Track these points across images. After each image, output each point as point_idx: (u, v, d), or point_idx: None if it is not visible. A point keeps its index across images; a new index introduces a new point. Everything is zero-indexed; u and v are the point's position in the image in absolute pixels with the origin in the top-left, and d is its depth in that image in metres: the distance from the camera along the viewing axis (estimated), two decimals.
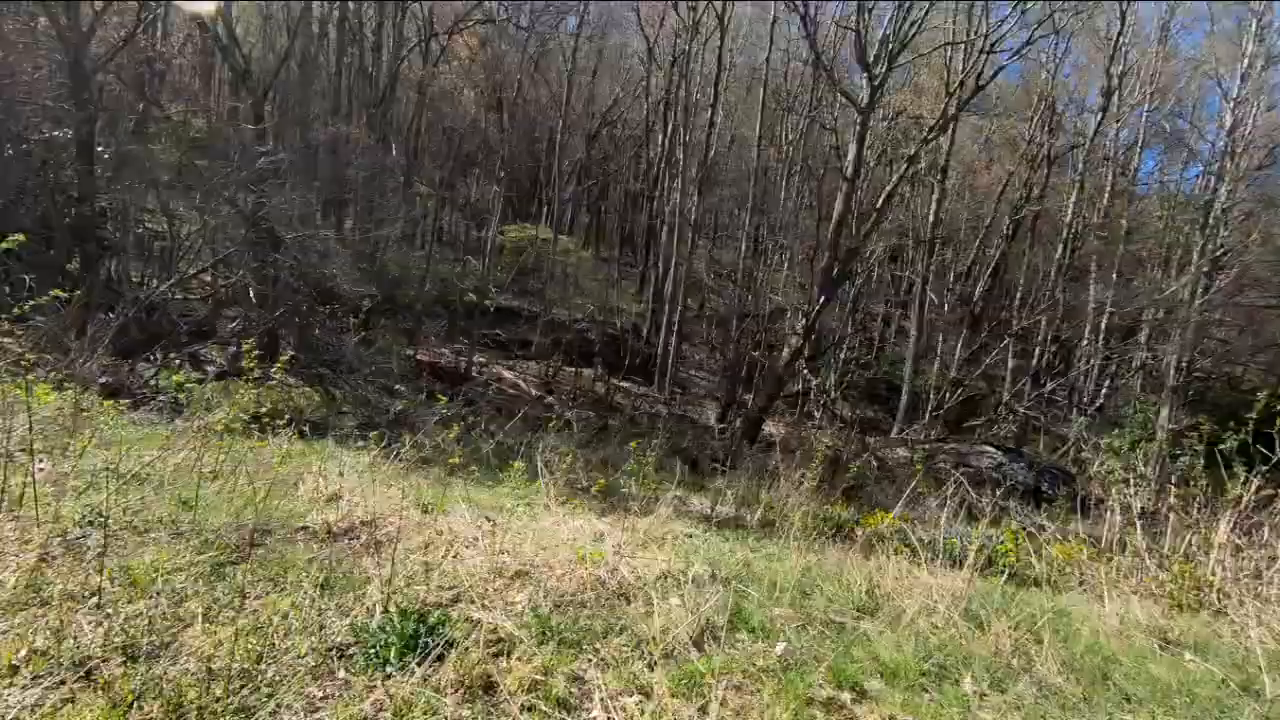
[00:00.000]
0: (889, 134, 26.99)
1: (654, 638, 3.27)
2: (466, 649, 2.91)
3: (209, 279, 15.84)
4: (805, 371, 23.44)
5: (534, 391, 23.89)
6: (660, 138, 29.99)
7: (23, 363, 4.40)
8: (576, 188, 36.40)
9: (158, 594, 3.09)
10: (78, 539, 3.55)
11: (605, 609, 3.63)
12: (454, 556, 4.14)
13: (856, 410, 27.01)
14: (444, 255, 27.37)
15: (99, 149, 14.09)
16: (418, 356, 21.57)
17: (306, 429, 8.24)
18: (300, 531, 4.18)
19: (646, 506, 8.29)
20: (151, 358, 12.79)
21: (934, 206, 25.25)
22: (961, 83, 18.10)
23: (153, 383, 10.22)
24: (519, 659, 2.91)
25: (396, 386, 16.57)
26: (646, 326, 30.46)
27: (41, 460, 4.87)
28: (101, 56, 14.30)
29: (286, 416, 9.24)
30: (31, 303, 6.44)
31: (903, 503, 7.19)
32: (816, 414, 25.27)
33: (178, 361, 13.24)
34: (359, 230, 18.38)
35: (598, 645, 3.19)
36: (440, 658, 2.85)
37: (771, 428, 22.91)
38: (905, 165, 17.77)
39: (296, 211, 14.65)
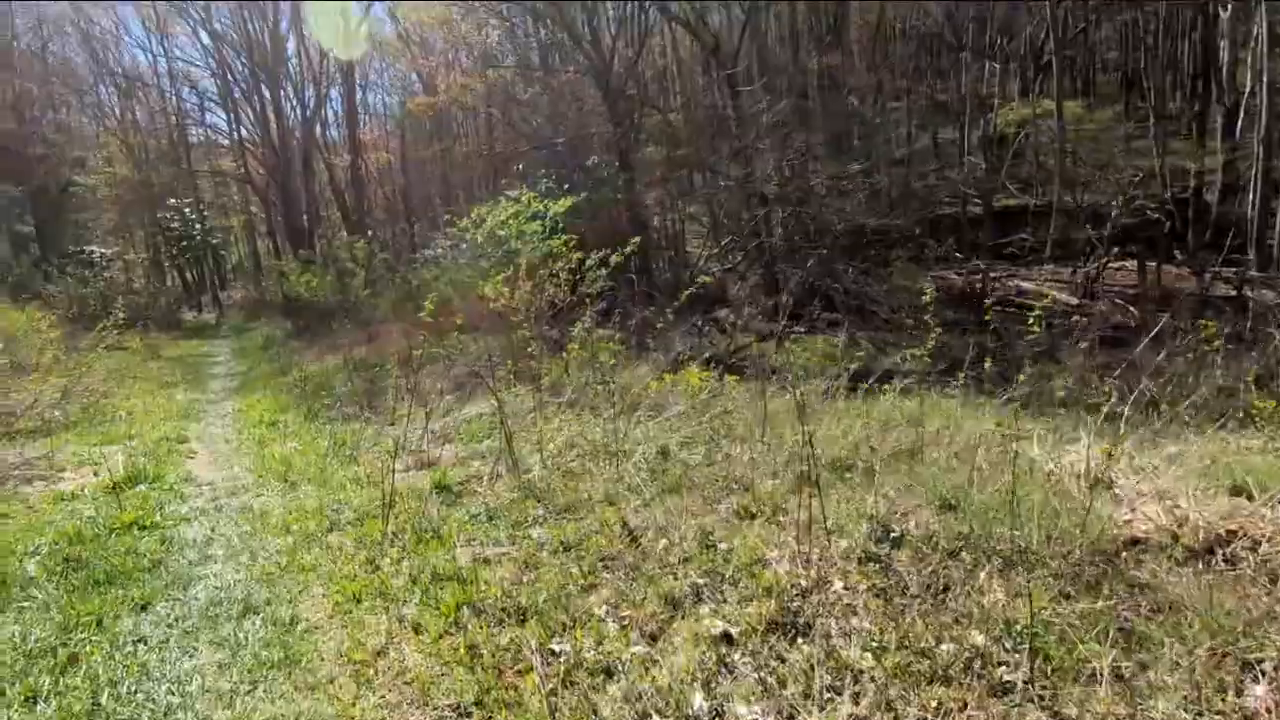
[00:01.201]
0: None
1: None
2: None
3: (728, 248, 17.07)
4: None
5: (1071, 299, 19.48)
6: None
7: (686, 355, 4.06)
8: (1061, 39, 28.53)
9: (1082, 676, 2.08)
10: (885, 561, 2.90)
11: None
12: None
13: None
14: (933, 167, 24.48)
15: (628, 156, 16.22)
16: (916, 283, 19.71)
17: (903, 382, 7.27)
18: (1131, 547, 2.88)
19: None
20: (697, 328, 14.05)
21: None
22: None
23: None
24: None
25: (922, 320, 15.07)
26: (1216, 188, 22.01)
27: (736, 448, 4.83)
28: (619, 76, 16.41)
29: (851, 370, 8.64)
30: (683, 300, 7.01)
31: None
32: None
33: (706, 329, 14.21)
34: (846, 162, 17.34)
35: None
36: None
37: None
38: None
39: (799, 161, 14.37)
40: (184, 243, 29.64)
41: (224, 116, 31.30)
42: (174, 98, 32.46)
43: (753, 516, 3.63)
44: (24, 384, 8.72)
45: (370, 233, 23.02)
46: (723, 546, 3.26)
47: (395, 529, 4.00)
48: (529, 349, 8.30)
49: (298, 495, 4.93)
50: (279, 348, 14.58)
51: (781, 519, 3.54)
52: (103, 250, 26.39)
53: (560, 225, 8.49)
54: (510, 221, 8.45)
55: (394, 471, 4.38)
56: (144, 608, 3.36)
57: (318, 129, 31.21)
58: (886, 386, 6.95)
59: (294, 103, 29.29)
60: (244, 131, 30.37)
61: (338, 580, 3.49)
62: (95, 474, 5.76)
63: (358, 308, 15.72)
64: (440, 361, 8.79)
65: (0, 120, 27.70)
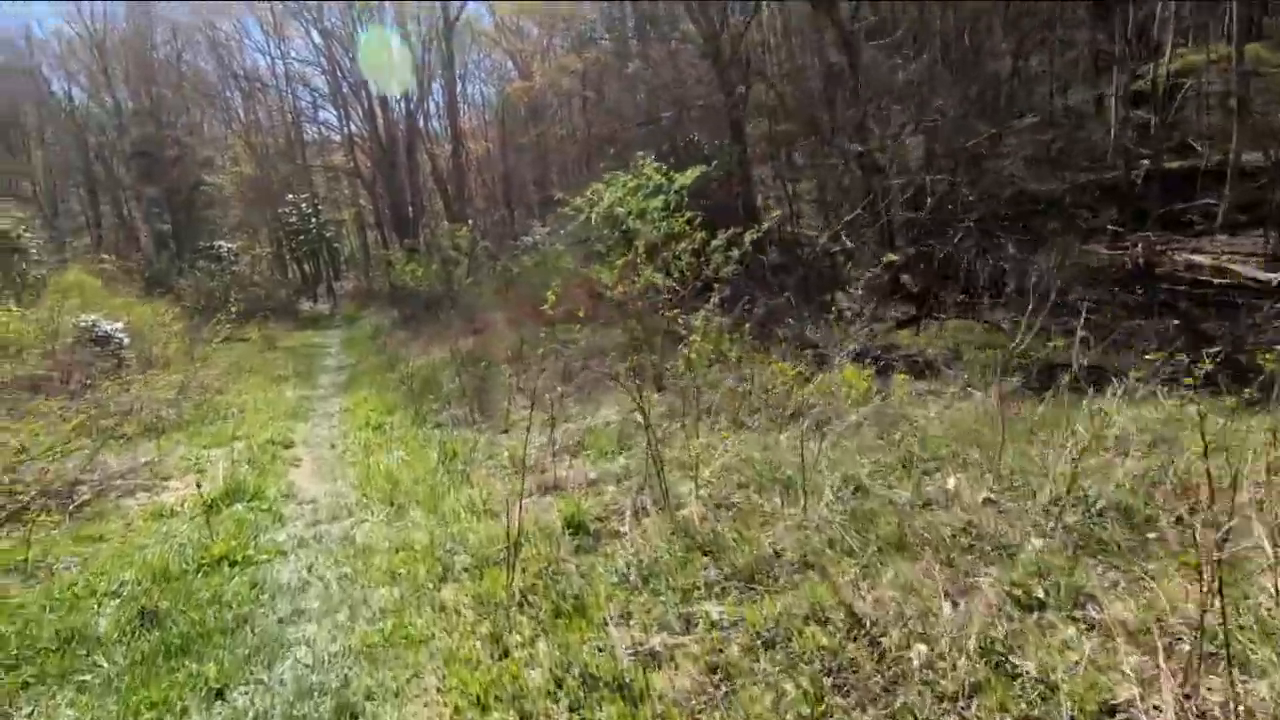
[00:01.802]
0: None
1: None
2: None
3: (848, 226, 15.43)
4: None
5: (1261, 275, 16.48)
6: None
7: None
8: None
9: None
10: None
11: None
12: None
13: None
14: (1083, 127, 21.58)
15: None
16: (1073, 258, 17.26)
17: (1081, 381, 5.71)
18: None
19: None
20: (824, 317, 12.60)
21: None
22: None
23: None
24: None
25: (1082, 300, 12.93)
26: None
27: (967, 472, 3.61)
28: (728, 43, 15.08)
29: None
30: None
31: None
32: None
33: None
34: (996, 125, 15.22)
35: None
36: None
37: None
38: None
39: (934, 126, 12.61)
40: (301, 236, 30.89)
41: (334, 113, 32.37)
42: (290, 97, 33.94)
43: (1041, 606, 2.45)
44: (144, 378, 8.66)
45: (470, 221, 22.90)
46: (1027, 667, 2.12)
47: (523, 586, 3.11)
48: (653, 342, 7.33)
49: (405, 524, 4.16)
50: (386, 338, 14.43)
51: (1097, 615, 2.35)
52: (229, 245, 27.83)
53: (684, 201, 7.44)
54: (628, 198, 7.47)
55: (521, 501, 3.50)
56: (219, 694, 2.61)
57: (420, 121, 31.70)
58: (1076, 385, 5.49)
59: (398, 97, 29.80)
60: (352, 127, 31.27)
61: (455, 666, 2.62)
62: (198, 484, 5.30)
63: (461, 296, 15.39)
64: (552, 356, 8.00)
65: (142, 126, 29.82)
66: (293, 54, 33.15)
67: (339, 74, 30.11)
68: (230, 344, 14.04)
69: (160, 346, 11.09)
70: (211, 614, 3.17)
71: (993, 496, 3.37)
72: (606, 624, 2.71)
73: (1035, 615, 2.41)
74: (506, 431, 6.06)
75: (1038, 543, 2.87)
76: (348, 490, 5.04)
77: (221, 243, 27.74)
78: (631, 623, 2.73)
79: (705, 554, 3.16)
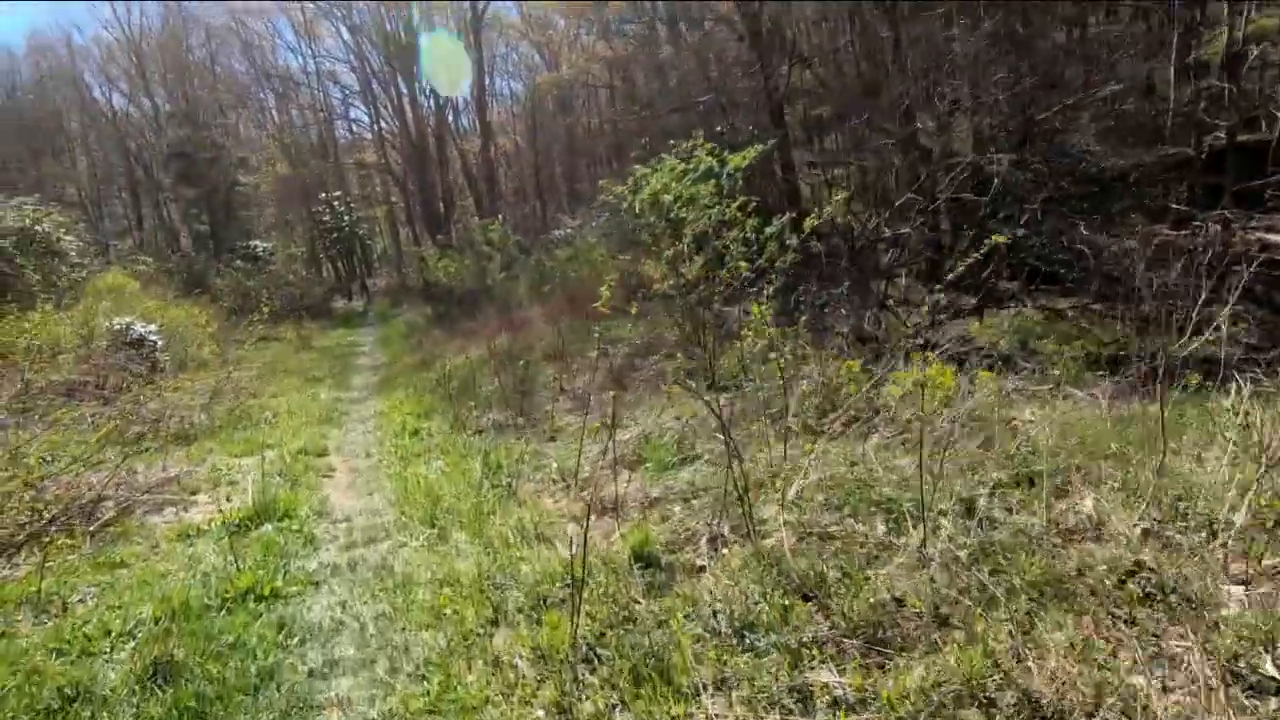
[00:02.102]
0: None
1: None
2: None
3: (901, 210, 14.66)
4: None
5: None
6: None
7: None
8: None
9: None
10: None
11: None
12: None
13: None
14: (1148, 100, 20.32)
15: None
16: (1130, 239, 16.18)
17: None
18: None
19: None
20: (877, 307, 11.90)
21: None
22: None
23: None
24: None
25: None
26: None
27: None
28: (765, 23, 14.37)
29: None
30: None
31: None
32: None
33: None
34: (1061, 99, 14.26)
35: None
36: None
37: None
38: None
39: (998, 100, 11.79)
40: (334, 234, 30.96)
41: (365, 110, 32.36)
42: (321, 95, 34.02)
43: (1278, 689, 1.88)
44: (177, 382, 8.42)
45: (501, 216, 22.56)
46: None
47: (590, 636, 2.63)
48: (704, 338, 6.81)
49: (448, 550, 3.72)
50: (420, 336, 14.12)
51: None
52: (265, 244, 27.97)
53: (737, 185, 6.88)
54: (674, 185, 6.94)
55: (586, 529, 2.99)
56: None
57: (449, 116, 31.53)
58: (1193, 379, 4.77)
59: (427, 93, 29.63)
60: (383, 124, 31.20)
61: None
62: (228, 498, 4.96)
63: (496, 292, 15.03)
64: (594, 353, 7.52)
65: (179, 128, 30.13)
66: (323, 52, 33.20)
67: (368, 70, 30.05)
68: (265, 344, 13.90)
69: (195, 348, 10.92)
70: (233, 665, 2.75)
71: (1152, 527, 2.78)
72: (699, 695, 2.21)
73: (1275, 702, 1.84)
74: (553, 439, 5.60)
75: (1237, 592, 2.29)
76: (384, 507, 4.63)
77: (257, 242, 27.90)
78: (732, 692, 2.22)
79: (806, 599, 2.64)
